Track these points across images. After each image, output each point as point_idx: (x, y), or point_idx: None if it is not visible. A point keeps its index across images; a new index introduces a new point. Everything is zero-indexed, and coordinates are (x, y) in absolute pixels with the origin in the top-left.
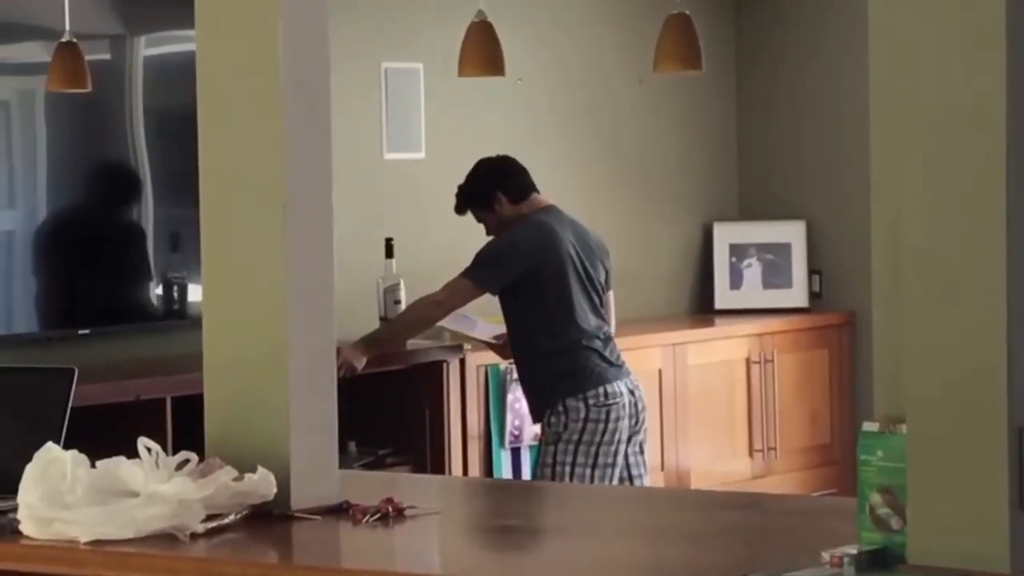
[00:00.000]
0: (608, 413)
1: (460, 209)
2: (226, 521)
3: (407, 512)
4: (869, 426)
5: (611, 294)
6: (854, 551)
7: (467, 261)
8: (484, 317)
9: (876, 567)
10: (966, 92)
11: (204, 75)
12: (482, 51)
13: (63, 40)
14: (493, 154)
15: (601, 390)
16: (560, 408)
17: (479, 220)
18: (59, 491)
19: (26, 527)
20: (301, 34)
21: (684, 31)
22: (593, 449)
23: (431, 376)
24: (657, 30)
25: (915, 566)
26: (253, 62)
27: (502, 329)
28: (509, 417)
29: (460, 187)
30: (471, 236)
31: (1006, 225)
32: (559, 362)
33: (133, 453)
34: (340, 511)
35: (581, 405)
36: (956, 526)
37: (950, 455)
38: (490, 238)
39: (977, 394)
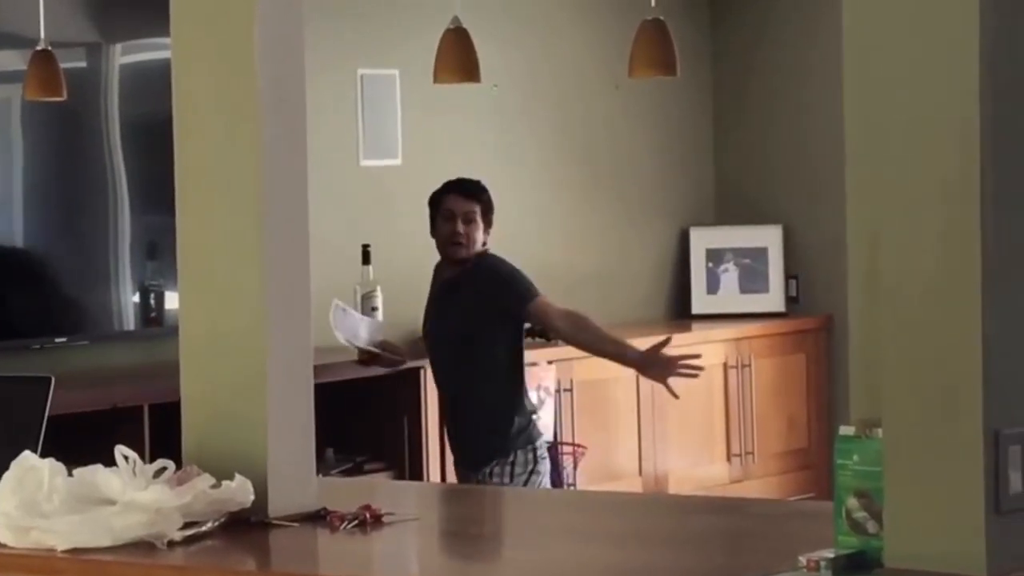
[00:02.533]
0: (545, 465)
1: (481, 197)
2: (204, 529)
3: (385, 519)
4: (845, 430)
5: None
6: (831, 555)
7: None
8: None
9: (853, 571)
10: (940, 99)
11: (180, 83)
12: (457, 58)
13: (39, 48)
14: (470, 162)
15: (542, 441)
16: (511, 459)
17: (469, 219)
18: (36, 500)
19: (3, 536)
20: (276, 42)
21: (659, 37)
22: None
23: (408, 382)
24: (632, 36)
25: (892, 569)
26: (228, 70)
27: (381, 332)
28: None
29: (485, 190)
30: None
31: (980, 230)
32: (519, 411)
33: (110, 461)
34: (318, 518)
35: (531, 456)
36: (932, 529)
37: (926, 458)
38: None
39: (953, 398)
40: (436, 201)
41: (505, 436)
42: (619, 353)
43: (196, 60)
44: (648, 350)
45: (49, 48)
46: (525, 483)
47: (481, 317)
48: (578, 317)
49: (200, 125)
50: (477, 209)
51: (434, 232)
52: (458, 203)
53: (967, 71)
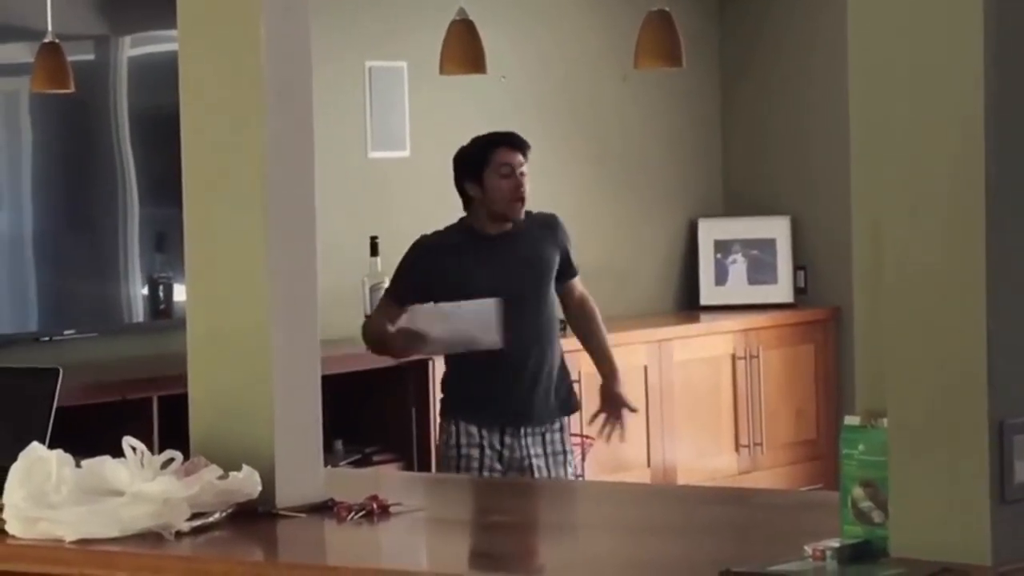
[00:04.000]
0: None
1: (527, 150)
2: (211, 519)
3: (392, 509)
4: (851, 420)
5: None
6: (836, 544)
7: None
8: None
9: (858, 560)
10: (944, 95)
11: (186, 75)
12: (463, 49)
13: (46, 41)
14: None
15: None
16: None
17: (523, 172)
18: (44, 491)
19: (12, 527)
20: (282, 34)
21: (664, 28)
22: None
23: (418, 374)
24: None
25: (897, 559)
26: (235, 62)
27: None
28: None
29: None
30: None
31: (985, 222)
32: None
33: (120, 453)
34: (325, 509)
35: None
36: (937, 519)
37: (931, 448)
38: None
39: (958, 388)
40: (482, 156)
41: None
42: (602, 361)
43: (203, 53)
44: (606, 388)
45: (56, 40)
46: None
47: (549, 271)
48: (591, 307)
49: (207, 118)
50: (525, 162)
51: (481, 189)
52: (513, 156)
53: (971, 66)
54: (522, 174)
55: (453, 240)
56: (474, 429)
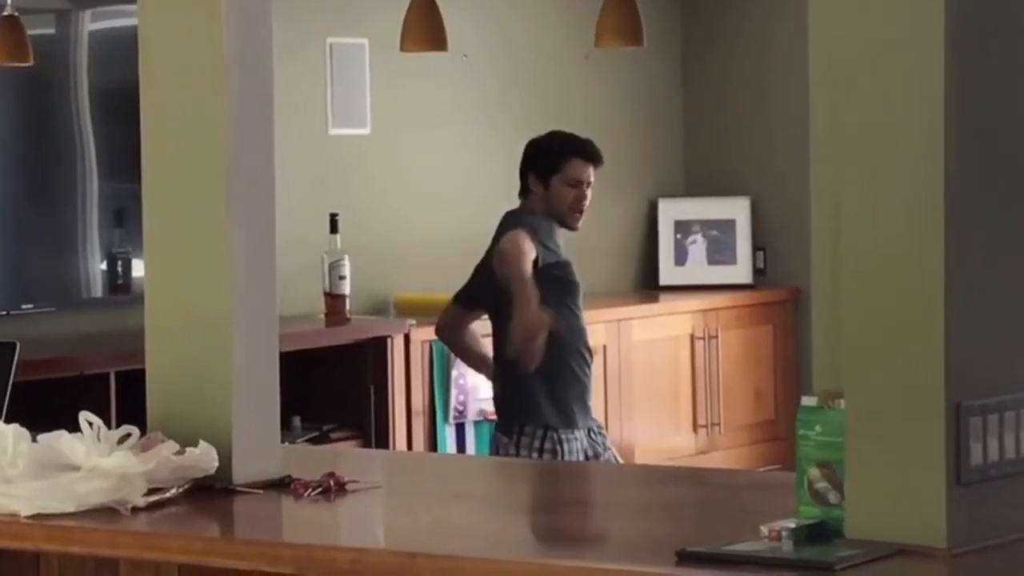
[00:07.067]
0: None
1: (599, 164)
2: (168, 495)
3: (349, 486)
4: (807, 401)
5: None
6: (792, 525)
7: (414, 237)
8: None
9: (814, 541)
10: (904, 76)
11: (146, 49)
12: (424, 26)
13: (5, 14)
14: (439, 131)
15: None
16: None
17: (588, 186)
18: (0, 465)
19: None
20: (243, 8)
21: (625, 7)
22: None
23: (376, 351)
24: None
25: (852, 540)
26: (195, 36)
27: None
28: (454, 393)
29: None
30: (417, 213)
31: (944, 203)
32: None
33: (77, 428)
34: (282, 485)
35: None
36: (893, 501)
37: (888, 430)
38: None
39: (915, 369)
40: (554, 163)
41: None
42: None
43: (163, 27)
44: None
45: (15, 14)
46: None
47: None
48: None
49: (167, 93)
50: (593, 174)
51: (544, 190)
52: (585, 171)
53: (932, 48)
54: (588, 186)
55: (551, 228)
56: (567, 434)
